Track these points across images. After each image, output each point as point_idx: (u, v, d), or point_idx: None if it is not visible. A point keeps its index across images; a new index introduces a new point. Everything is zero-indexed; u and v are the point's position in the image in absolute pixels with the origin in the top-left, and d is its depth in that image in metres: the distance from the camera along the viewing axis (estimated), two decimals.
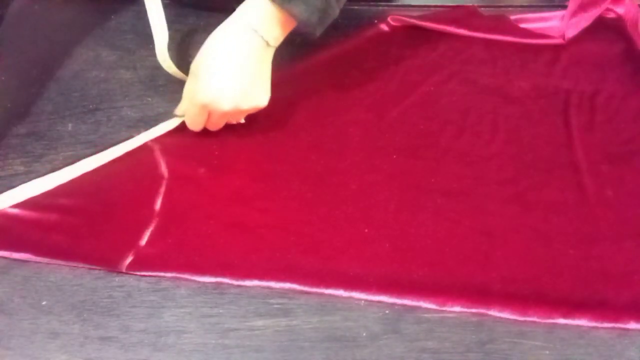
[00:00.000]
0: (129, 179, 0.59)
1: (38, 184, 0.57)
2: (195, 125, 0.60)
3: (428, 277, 0.52)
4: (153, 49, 0.65)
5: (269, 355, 0.47)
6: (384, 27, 0.76)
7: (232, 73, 0.57)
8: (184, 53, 0.71)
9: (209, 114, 0.59)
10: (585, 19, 0.76)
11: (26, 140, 0.62)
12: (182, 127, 0.63)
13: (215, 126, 0.61)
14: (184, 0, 0.77)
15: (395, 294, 0.51)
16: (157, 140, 0.62)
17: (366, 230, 0.55)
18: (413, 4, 0.80)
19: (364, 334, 0.49)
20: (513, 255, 0.54)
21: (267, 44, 0.58)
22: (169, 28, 0.65)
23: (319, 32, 0.60)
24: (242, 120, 0.62)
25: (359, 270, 0.52)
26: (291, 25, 0.59)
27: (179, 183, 0.59)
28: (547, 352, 0.48)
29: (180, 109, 0.62)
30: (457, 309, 0.50)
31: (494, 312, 0.50)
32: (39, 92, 0.67)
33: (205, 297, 0.51)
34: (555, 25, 0.76)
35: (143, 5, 0.63)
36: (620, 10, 0.78)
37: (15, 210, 0.56)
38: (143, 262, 0.52)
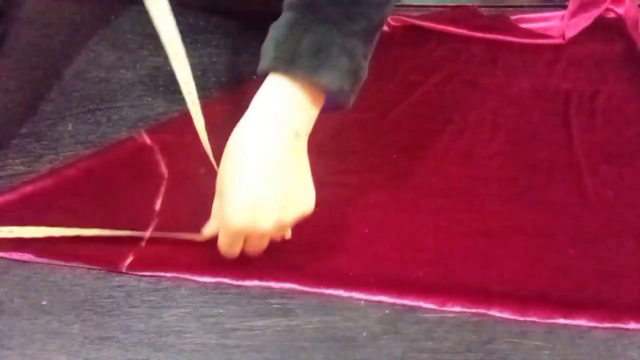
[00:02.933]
0: (129, 179, 0.59)
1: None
2: (231, 253, 0.49)
3: (428, 277, 0.52)
4: (153, 49, 0.66)
5: (269, 355, 0.47)
6: (384, 27, 0.76)
7: (264, 184, 0.45)
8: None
9: (246, 238, 0.48)
10: (585, 19, 0.76)
11: (26, 140, 0.62)
12: (182, 126, 0.63)
13: (256, 250, 0.50)
14: (184, 1, 0.77)
15: (395, 294, 0.51)
16: (157, 140, 0.62)
17: (366, 230, 0.55)
18: (413, 4, 0.80)
19: (364, 334, 0.49)
20: (513, 255, 0.54)
21: (297, 134, 0.47)
22: None
23: (352, 101, 0.48)
24: (289, 235, 0.51)
25: (359, 270, 0.52)
26: (320, 103, 0.48)
27: (179, 183, 0.59)
28: (547, 352, 0.48)
29: (209, 228, 0.51)
30: (457, 309, 0.50)
31: (494, 312, 0.50)
32: (39, 92, 0.67)
33: (205, 297, 0.51)
34: (555, 25, 0.76)
35: (143, 5, 0.63)
36: (620, 10, 0.78)
37: (16, 211, 0.56)
38: (143, 262, 0.52)
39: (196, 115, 0.52)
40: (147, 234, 0.53)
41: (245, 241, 0.48)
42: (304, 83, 0.46)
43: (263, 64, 0.47)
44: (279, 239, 0.50)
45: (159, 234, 0.53)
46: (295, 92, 0.46)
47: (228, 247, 0.49)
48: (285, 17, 0.47)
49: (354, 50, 0.47)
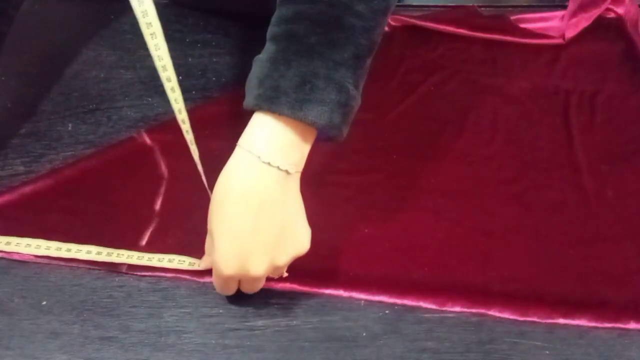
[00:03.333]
0: (129, 179, 0.59)
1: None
2: (226, 293, 0.49)
3: (428, 277, 0.52)
4: None
5: (269, 355, 0.47)
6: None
7: (252, 231, 0.44)
8: (183, 54, 0.71)
9: (240, 280, 0.48)
10: (585, 19, 0.76)
11: (26, 140, 0.62)
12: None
13: (252, 291, 0.49)
14: (184, 1, 0.77)
15: (395, 294, 0.51)
16: (157, 140, 0.62)
17: (366, 230, 0.55)
18: (413, 3, 0.80)
19: (364, 334, 0.49)
20: (513, 255, 0.54)
21: (287, 173, 0.44)
22: (169, 28, 0.65)
23: (345, 132, 0.46)
24: (285, 274, 0.49)
25: (359, 270, 0.52)
26: (311, 138, 0.45)
27: (179, 183, 0.59)
28: (547, 352, 0.48)
29: (204, 264, 0.51)
30: (457, 309, 0.50)
31: (494, 312, 0.50)
32: (39, 92, 0.67)
33: (205, 297, 0.51)
34: (555, 25, 0.76)
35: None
36: (620, 10, 0.78)
37: (16, 211, 0.56)
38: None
39: (192, 145, 0.52)
40: (145, 259, 0.52)
41: (240, 282, 0.48)
42: (289, 120, 0.43)
43: (247, 102, 0.45)
44: (276, 277, 0.49)
45: (156, 263, 0.52)
46: (283, 130, 0.43)
47: (221, 289, 0.48)
48: (268, 50, 0.45)
49: (342, 80, 0.44)
